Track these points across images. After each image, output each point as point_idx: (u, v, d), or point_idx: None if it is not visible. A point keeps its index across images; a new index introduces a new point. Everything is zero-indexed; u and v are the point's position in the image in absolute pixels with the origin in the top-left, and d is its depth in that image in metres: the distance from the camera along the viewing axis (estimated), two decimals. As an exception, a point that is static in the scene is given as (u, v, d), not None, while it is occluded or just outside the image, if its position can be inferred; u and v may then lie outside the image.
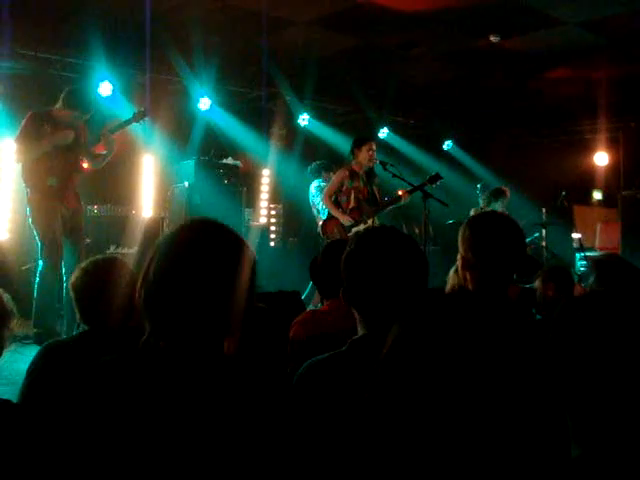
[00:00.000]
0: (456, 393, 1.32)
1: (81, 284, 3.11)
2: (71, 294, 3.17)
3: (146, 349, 1.84)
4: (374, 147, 8.19)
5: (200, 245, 1.84)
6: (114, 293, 3.03)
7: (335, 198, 8.16)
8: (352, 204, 8.09)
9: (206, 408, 1.71)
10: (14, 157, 7.09)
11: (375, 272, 2.20)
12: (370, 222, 7.93)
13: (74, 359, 2.92)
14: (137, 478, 1.68)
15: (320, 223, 8.35)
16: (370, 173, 8.25)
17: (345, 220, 8.04)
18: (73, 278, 3.16)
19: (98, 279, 3.08)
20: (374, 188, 8.24)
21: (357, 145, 8.21)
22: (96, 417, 1.73)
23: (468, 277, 2.57)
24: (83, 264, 3.22)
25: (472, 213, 9.47)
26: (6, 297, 2.58)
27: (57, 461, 1.78)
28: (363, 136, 8.46)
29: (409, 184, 7.75)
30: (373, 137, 8.63)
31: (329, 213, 8.21)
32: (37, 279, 6.81)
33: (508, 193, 9.76)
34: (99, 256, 3.32)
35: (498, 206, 9.57)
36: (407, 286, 2.20)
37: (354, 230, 7.78)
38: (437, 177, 7.73)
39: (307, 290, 7.83)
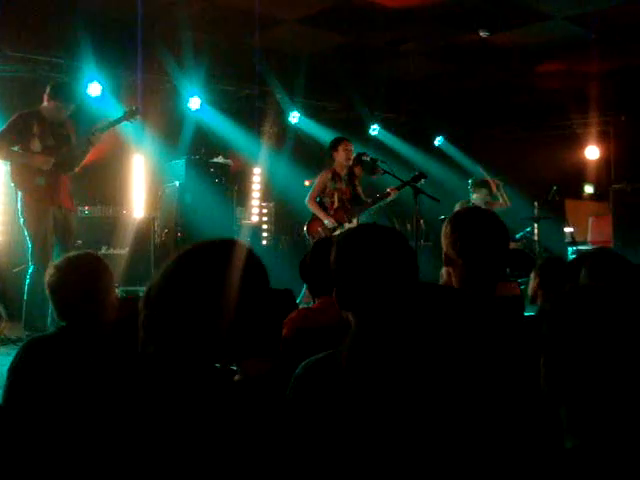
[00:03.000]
0: (429, 392, 1.32)
1: (54, 281, 3.13)
2: (46, 291, 3.19)
3: (144, 357, 1.83)
4: (349, 146, 8.26)
5: (222, 268, 1.83)
6: (87, 289, 3.06)
7: (320, 200, 8.22)
8: (336, 205, 8.19)
9: (198, 418, 1.70)
10: None
11: (363, 269, 2.19)
12: (355, 222, 8.03)
13: (54, 354, 2.96)
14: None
15: (306, 222, 8.41)
16: (351, 174, 8.31)
17: (328, 222, 8.11)
18: (47, 276, 3.17)
19: (71, 276, 3.10)
20: (356, 188, 8.29)
21: (333, 147, 8.30)
22: (82, 420, 1.72)
23: (452, 273, 2.55)
24: (56, 261, 3.23)
25: (457, 207, 9.49)
26: (-6, 301, 2.57)
27: (41, 463, 1.76)
28: (337, 137, 8.56)
29: (400, 180, 7.77)
30: (346, 137, 8.68)
31: (313, 214, 8.26)
32: (27, 280, 6.79)
33: (490, 184, 9.74)
34: (72, 253, 3.32)
35: (478, 197, 9.60)
36: (397, 281, 2.19)
37: (338, 231, 7.86)
38: (421, 176, 7.78)
39: (301, 294, 7.80)
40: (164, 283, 1.82)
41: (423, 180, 7.74)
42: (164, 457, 1.64)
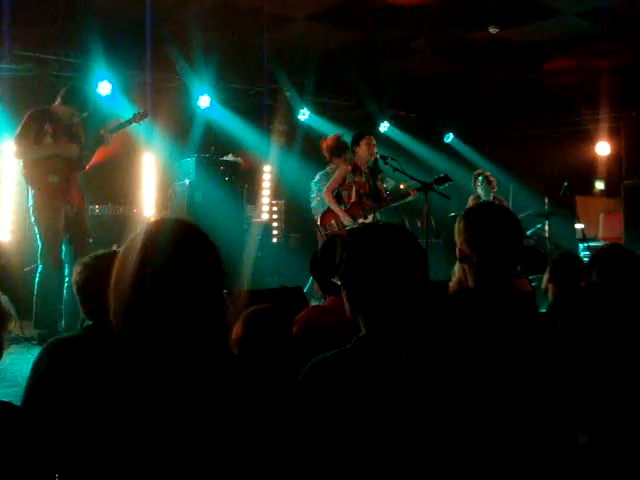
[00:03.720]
0: (475, 388, 1.32)
1: (83, 279, 3.12)
2: (74, 289, 3.17)
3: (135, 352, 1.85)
4: (373, 141, 8.20)
5: (167, 246, 1.86)
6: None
7: (337, 192, 8.17)
8: (353, 199, 8.09)
9: (205, 407, 1.71)
10: (13, 155, 7.11)
11: (373, 270, 2.18)
12: (370, 218, 7.94)
13: (78, 355, 2.92)
14: (139, 477, 1.68)
15: (320, 214, 8.35)
16: (374, 169, 8.24)
17: (344, 218, 8.03)
18: (75, 274, 3.16)
19: (100, 273, 3.08)
20: (377, 184, 8.23)
21: (355, 142, 8.26)
22: (97, 418, 1.73)
23: (467, 269, 2.55)
24: (84, 259, 3.22)
25: (470, 201, 9.47)
26: (4, 299, 2.56)
27: (57, 464, 1.77)
28: (360, 132, 8.46)
29: (410, 177, 7.74)
30: (370, 132, 8.64)
31: (329, 206, 8.21)
32: (37, 279, 6.81)
33: (491, 179, 9.67)
34: (100, 251, 3.31)
35: (481, 192, 9.53)
36: (407, 281, 2.18)
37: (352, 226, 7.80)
38: (445, 179, 7.69)
39: (308, 284, 7.82)
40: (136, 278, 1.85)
41: (447, 184, 7.68)
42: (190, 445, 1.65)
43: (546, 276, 4.76)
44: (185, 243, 1.89)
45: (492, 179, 9.74)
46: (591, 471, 1.37)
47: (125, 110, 8.61)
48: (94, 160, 7.36)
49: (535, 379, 1.47)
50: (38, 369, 3.01)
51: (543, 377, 1.46)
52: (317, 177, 9.42)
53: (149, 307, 1.81)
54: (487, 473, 1.45)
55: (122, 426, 1.70)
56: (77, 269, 3.16)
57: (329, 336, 2.91)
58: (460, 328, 1.44)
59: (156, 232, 1.89)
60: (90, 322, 3.16)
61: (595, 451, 1.40)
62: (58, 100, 6.99)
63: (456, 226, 2.60)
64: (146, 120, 7.66)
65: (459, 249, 2.57)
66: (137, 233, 1.91)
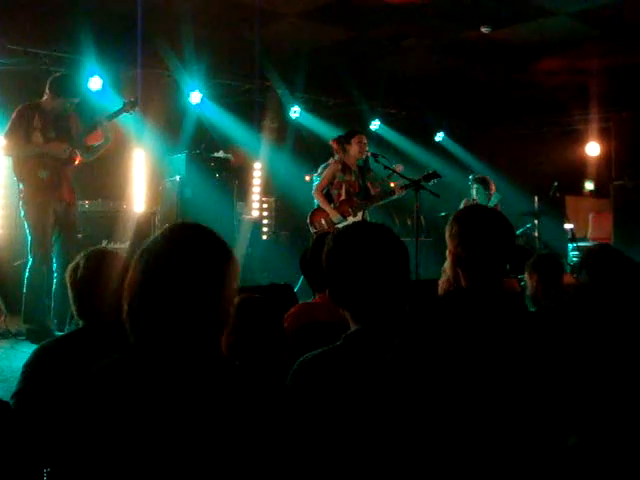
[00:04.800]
0: (467, 385, 1.33)
1: (75, 278, 3.10)
2: (66, 288, 3.16)
3: (137, 352, 1.85)
4: (364, 140, 8.18)
5: (184, 249, 1.87)
6: (108, 285, 3.02)
7: (327, 191, 8.17)
8: (343, 197, 8.10)
9: (199, 408, 1.71)
10: (3, 151, 7.09)
11: (356, 268, 2.20)
12: (360, 215, 7.97)
13: (69, 358, 2.89)
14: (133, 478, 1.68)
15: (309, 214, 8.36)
16: (364, 167, 8.24)
17: (334, 216, 8.04)
18: (67, 272, 3.14)
19: (91, 272, 3.07)
20: (367, 183, 8.23)
21: (346, 140, 8.21)
22: (92, 419, 1.73)
23: (460, 273, 2.55)
24: (77, 258, 3.20)
25: (463, 203, 9.41)
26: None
27: (46, 464, 1.77)
28: (351, 130, 8.44)
29: (401, 176, 7.75)
30: (361, 130, 8.64)
31: (318, 204, 8.22)
32: (26, 274, 6.78)
33: (490, 182, 9.60)
34: (92, 249, 3.30)
35: (475, 193, 9.45)
36: (390, 277, 2.20)
37: (341, 225, 7.75)
38: (433, 175, 7.69)
39: (299, 283, 7.81)
40: (146, 276, 1.85)
41: (436, 180, 7.69)
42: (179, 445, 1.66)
43: (532, 280, 4.77)
44: (208, 249, 1.89)
45: (491, 184, 9.56)
46: (578, 473, 1.38)
47: (116, 105, 8.59)
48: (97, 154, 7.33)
49: (525, 377, 1.48)
50: (30, 373, 2.97)
51: (533, 375, 1.47)
52: (319, 170, 9.35)
53: (158, 307, 1.82)
54: (477, 471, 1.46)
55: (114, 426, 1.70)
56: (69, 268, 3.15)
57: (319, 333, 2.92)
58: (452, 327, 1.45)
59: (173, 236, 1.90)
60: (80, 321, 3.14)
61: (585, 452, 1.41)
62: (46, 93, 6.94)
63: (447, 230, 2.60)
64: (136, 110, 7.60)
65: (453, 253, 2.57)
66: (157, 236, 1.92)
